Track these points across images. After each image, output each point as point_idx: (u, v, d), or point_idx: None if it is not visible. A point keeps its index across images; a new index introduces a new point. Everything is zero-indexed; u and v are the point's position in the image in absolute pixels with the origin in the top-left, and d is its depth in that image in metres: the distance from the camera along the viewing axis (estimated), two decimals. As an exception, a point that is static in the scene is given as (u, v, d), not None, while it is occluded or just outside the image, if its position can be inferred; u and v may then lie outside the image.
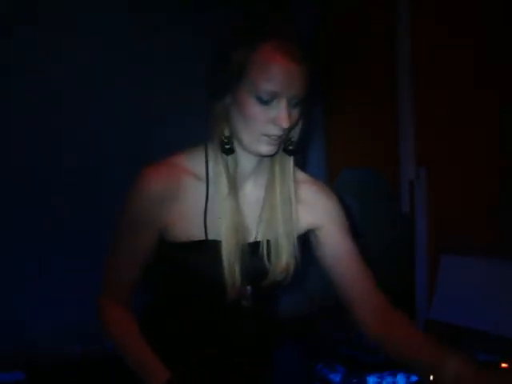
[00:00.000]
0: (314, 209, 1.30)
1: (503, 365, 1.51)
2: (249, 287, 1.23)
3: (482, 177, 2.29)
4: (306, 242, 1.32)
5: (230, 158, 1.19)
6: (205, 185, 1.20)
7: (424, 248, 2.51)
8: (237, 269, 1.18)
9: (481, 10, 2.27)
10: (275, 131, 1.13)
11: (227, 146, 1.17)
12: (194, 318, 1.26)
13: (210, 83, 1.16)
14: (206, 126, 1.20)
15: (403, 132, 2.55)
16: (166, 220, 1.20)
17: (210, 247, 1.18)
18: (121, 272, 1.26)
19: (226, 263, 1.17)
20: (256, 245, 1.24)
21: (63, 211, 2.32)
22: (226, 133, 1.17)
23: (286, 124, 1.11)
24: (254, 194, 1.26)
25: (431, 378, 1.51)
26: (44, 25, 2.28)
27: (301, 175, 1.32)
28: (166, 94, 2.46)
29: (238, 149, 1.19)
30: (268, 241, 1.24)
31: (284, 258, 1.23)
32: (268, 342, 1.38)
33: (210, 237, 1.19)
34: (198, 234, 1.19)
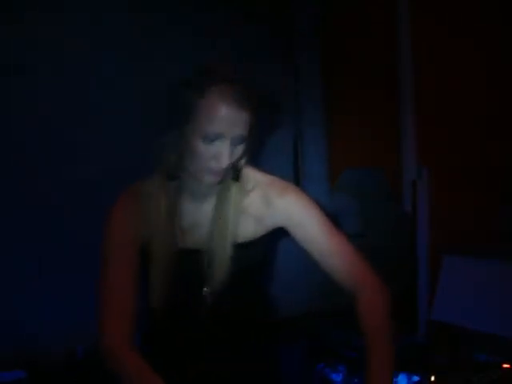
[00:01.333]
0: (278, 209, 1.40)
1: (505, 365, 1.51)
2: (205, 289, 1.37)
3: (483, 177, 2.29)
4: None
5: (173, 182, 1.33)
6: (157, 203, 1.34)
7: (426, 248, 2.52)
8: (164, 277, 1.33)
9: (481, 10, 2.27)
10: (217, 166, 1.25)
11: (172, 173, 1.32)
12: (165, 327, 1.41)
13: (161, 116, 1.29)
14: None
15: (405, 132, 2.56)
16: (140, 239, 1.34)
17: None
18: (122, 298, 1.32)
19: (158, 271, 1.33)
20: (194, 253, 1.37)
21: (63, 211, 2.31)
22: (172, 161, 1.30)
23: (226, 161, 1.24)
24: (201, 212, 1.39)
25: (432, 378, 1.52)
26: (44, 25, 2.27)
27: (265, 178, 1.43)
28: (165, 94, 2.46)
29: (187, 175, 1.32)
30: (206, 251, 1.37)
31: (218, 267, 1.35)
32: (242, 339, 1.45)
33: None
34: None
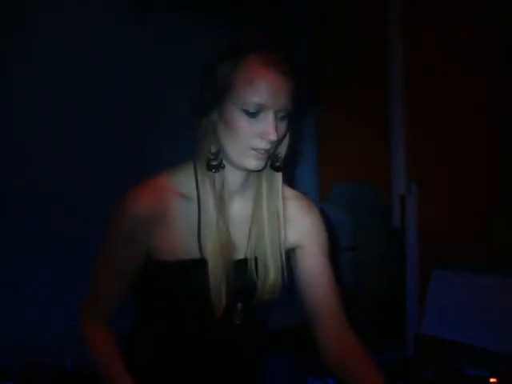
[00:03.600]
0: (298, 226, 1.29)
1: (492, 380, 1.52)
2: (239, 304, 1.23)
3: (472, 192, 2.31)
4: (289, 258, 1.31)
5: (217, 175, 1.18)
6: (195, 203, 1.18)
7: (415, 262, 2.53)
8: (223, 287, 1.16)
9: (472, 17, 2.29)
10: (262, 145, 1.12)
11: (214, 163, 1.16)
12: (180, 336, 1.24)
13: (196, 100, 1.16)
14: (193, 143, 1.20)
15: (394, 147, 2.58)
16: (154, 240, 1.18)
17: (198, 265, 1.17)
18: (107, 286, 1.25)
19: (212, 281, 1.15)
20: (244, 262, 1.23)
21: (62, 214, 2.31)
22: (213, 149, 1.16)
23: (273, 137, 1.11)
24: (242, 211, 1.24)
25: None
26: (43, 25, 2.28)
27: (287, 191, 1.31)
28: (165, 95, 2.47)
29: (225, 165, 1.18)
30: (256, 258, 1.23)
31: (271, 275, 1.22)
32: (255, 355, 1.37)
33: (202, 255, 1.17)
34: (187, 253, 1.18)
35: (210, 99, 1.13)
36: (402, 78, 2.55)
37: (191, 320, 1.20)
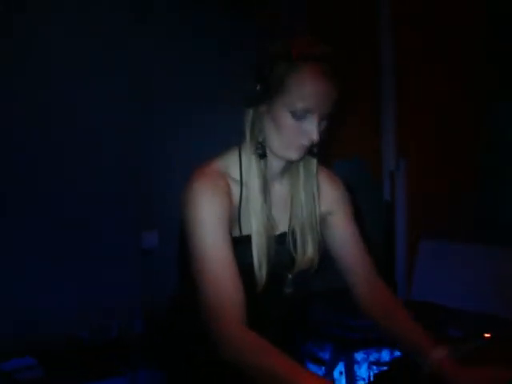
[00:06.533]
0: (328, 195, 1.41)
1: (486, 335, 1.66)
2: (290, 275, 1.35)
3: (457, 168, 2.45)
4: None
5: (262, 161, 1.28)
6: (239, 186, 1.29)
7: (404, 234, 2.68)
8: (264, 260, 1.26)
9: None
10: (305, 142, 1.23)
11: (261, 151, 1.27)
12: None
13: (248, 91, 1.25)
14: (238, 130, 1.30)
15: (385, 126, 2.71)
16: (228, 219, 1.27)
17: (243, 242, 1.27)
18: (227, 280, 1.22)
19: (255, 255, 1.26)
20: (284, 237, 1.35)
21: (63, 199, 2.35)
22: (260, 139, 1.27)
23: (316, 138, 1.21)
24: (281, 192, 1.37)
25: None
26: (43, 25, 2.28)
27: (319, 168, 1.40)
28: (166, 95, 2.51)
29: (268, 153, 1.29)
30: (293, 233, 1.35)
31: (309, 248, 1.35)
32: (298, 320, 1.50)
33: (244, 233, 1.28)
34: (234, 231, 1.28)
35: (262, 94, 1.23)
36: (395, 59, 2.65)
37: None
